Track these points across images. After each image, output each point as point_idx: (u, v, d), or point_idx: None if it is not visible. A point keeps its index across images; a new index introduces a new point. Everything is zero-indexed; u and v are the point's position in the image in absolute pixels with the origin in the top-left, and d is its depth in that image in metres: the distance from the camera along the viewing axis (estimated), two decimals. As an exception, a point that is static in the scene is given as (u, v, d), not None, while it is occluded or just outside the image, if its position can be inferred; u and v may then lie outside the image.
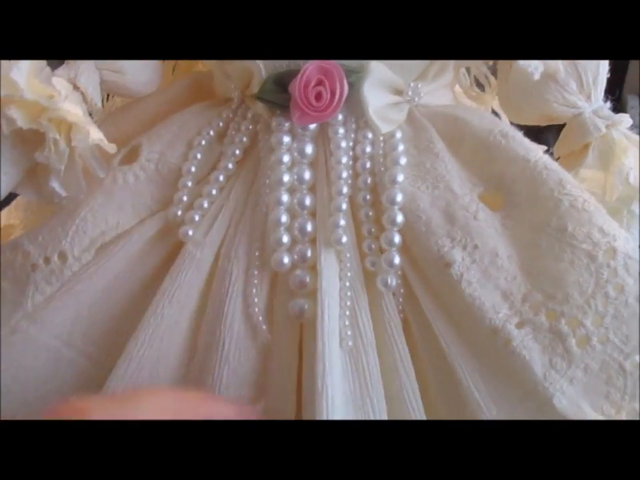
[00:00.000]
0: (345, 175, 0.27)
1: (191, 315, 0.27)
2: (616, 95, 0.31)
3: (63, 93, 0.26)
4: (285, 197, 0.27)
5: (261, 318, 0.27)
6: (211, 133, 0.30)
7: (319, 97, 0.26)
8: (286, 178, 0.27)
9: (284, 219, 0.27)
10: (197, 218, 0.28)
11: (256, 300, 0.27)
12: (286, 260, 0.27)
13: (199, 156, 0.29)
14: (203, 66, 0.36)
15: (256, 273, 0.27)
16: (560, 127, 0.31)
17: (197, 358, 0.27)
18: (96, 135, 0.25)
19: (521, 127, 0.29)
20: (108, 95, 0.36)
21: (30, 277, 0.28)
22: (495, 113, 0.34)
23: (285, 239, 0.27)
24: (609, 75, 0.29)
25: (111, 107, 0.35)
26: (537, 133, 0.31)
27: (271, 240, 0.27)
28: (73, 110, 0.25)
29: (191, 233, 0.28)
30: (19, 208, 0.34)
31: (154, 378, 0.25)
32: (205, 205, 0.28)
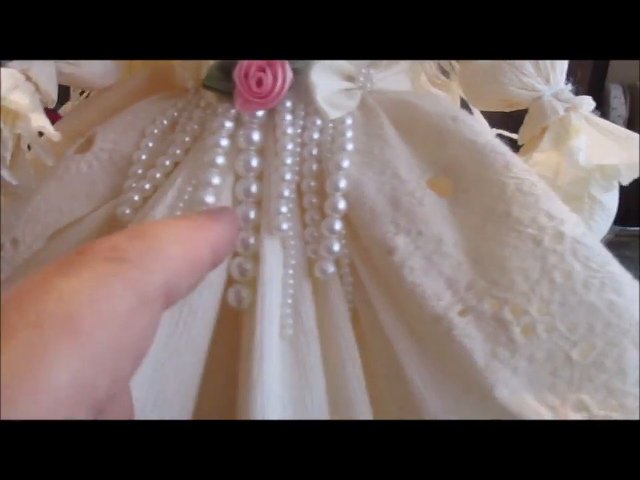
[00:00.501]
0: (289, 161, 0.27)
1: None
2: (599, 84, 0.29)
3: (9, 85, 0.26)
4: (216, 179, 0.26)
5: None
6: (165, 122, 0.30)
7: (259, 83, 0.26)
8: (220, 161, 0.27)
9: (210, 199, 0.26)
10: (135, 198, 0.28)
11: None
12: None
13: (150, 144, 0.29)
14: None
15: None
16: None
17: None
18: (39, 122, 0.26)
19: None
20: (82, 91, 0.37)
21: (-17, 263, 0.28)
22: (463, 100, 0.33)
23: None
24: (592, 66, 0.28)
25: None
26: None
27: None
28: (18, 99, 0.26)
29: (127, 211, 0.28)
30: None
31: None
32: (147, 186, 0.28)
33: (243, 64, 0.26)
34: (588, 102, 0.28)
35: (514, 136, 0.33)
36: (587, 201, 0.27)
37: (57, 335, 0.13)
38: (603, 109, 0.90)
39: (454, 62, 0.32)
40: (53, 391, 0.13)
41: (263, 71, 0.26)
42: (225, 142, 0.27)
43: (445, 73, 0.33)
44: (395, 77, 0.29)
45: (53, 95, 0.29)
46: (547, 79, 0.28)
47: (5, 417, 0.12)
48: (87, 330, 0.14)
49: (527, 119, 0.29)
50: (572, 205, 0.27)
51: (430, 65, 0.33)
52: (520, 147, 0.31)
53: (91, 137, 0.30)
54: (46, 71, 0.29)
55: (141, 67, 0.34)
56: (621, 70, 0.91)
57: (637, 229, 0.81)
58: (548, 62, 0.27)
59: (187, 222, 0.18)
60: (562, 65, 0.28)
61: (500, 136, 0.32)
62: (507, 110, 0.30)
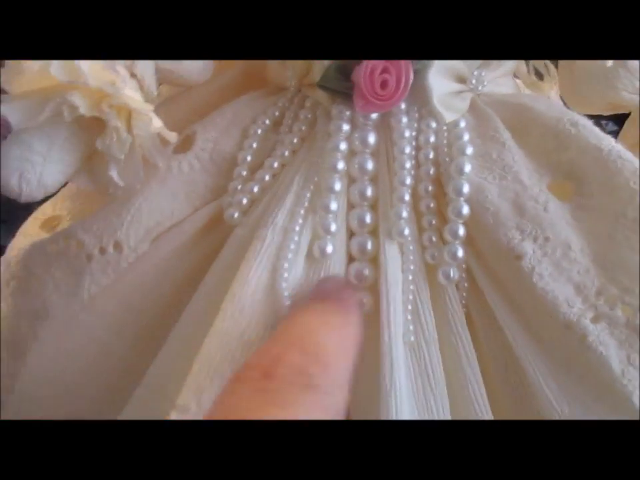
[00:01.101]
0: (408, 165, 0.26)
1: None
2: None
3: (124, 79, 0.25)
4: (338, 185, 0.26)
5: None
6: (267, 121, 0.29)
7: (384, 84, 0.25)
8: (340, 166, 0.27)
9: (334, 206, 0.26)
10: (244, 201, 0.28)
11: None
12: (330, 249, 0.26)
13: (254, 145, 0.28)
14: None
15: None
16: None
17: None
18: (157, 123, 0.25)
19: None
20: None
21: (85, 267, 0.27)
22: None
23: (334, 227, 0.26)
24: None
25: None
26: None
27: (319, 228, 0.26)
28: (134, 96, 0.25)
29: (236, 215, 0.27)
30: (65, 198, 0.33)
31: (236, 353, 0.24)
32: (255, 189, 0.28)
33: (367, 65, 0.25)
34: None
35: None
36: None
37: None
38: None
39: (549, 63, 0.32)
40: None
41: (387, 72, 0.25)
42: (343, 145, 0.26)
43: (538, 74, 0.33)
44: (503, 79, 0.29)
45: (154, 92, 0.28)
46: (655, 85, 0.28)
47: None
48: None
49: (630, 122, 0.29)
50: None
51: (522, 64, 0.33)
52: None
53: (190, 136, 0.29)
54: (148, 68, 0.28)
55: (227, 66, 0.33)
56: None
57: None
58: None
59: (340, 325, 0.20)
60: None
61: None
62: (607, 113, 0.30)
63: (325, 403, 0.17)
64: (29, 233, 0.32)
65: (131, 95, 0.25)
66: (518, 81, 0.33)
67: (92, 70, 0.24)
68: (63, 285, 0.27)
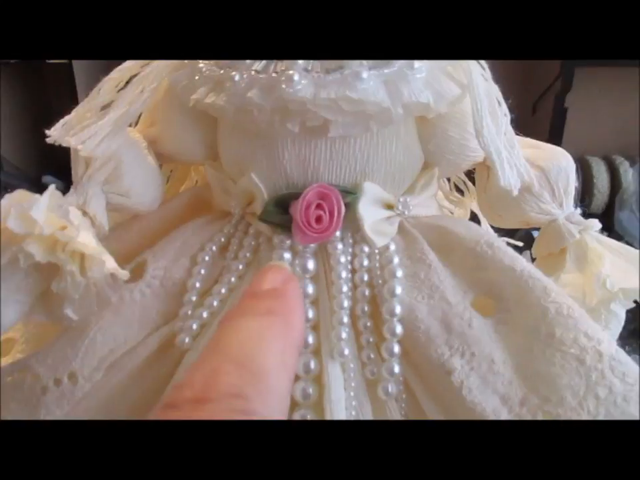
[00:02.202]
0: (345, 288, 0.29)
1: None
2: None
3: (76, 224, 0.27)
4: None
5: None
6: (214, 248, 0.31)
7: (319, 219, 0.28)
8: None
9: None
10: (194, 326, 0.29)
11: None
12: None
13: (202, 271, 0.31)
14: (195, 175, 0.38)
15: None
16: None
17: None
18: (110, 264, 0.27)
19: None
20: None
21: (40, 400, 0.28)
22: (473, 214, 0.37)
23: None
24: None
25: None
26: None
27: None
28: (87, 241, 0.27)
29: (187, 340, 0.29)
30: (18, 322, 0.34)
31: None
32: (205, 315, 0.30)
33: (302, 202, 0.28)
34: (596, 224, 0.32)
35: (519, 243, 0.37)
36: (604, 312, 0.31)
37: None
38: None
39: (467, 181, 0.36)
40: None
41: (321, 208, 0.28)
42: None
43: (459, 190, 0.36)
44: (426, 202, 0.32)
45: (106, 227, 0.30)
46: (560, 204, 0.32)
47: None
48: None
49: (541, 236, 0.33)
50: (591, 316, 0.30)
51: (444, 182, 0.37)
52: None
53: (140, 264, 0.31)
54: (100, 204, 0.30)
55: (172, 191, 0.35)
56: (571, 145, 1.01)
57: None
58: (562, 189, 0.31)
59: (279, 326, 0.19)
60: (572, 192, 0.32)
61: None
62: (522, 227, 0.34)
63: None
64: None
65: (84, 239, 0.26)
66: (440, 194, 0.36)
67: (47, 219, 0.26)
68: (18, 417, 0.28)
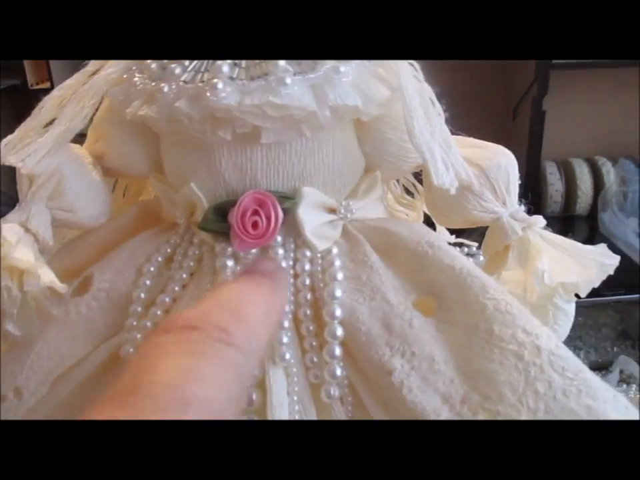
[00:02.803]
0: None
1: None
2: (534, 162, 0.33)
3: (13, 240, 0.27)
4: None
5: None
6: (159, 259, 0.31)
7: (255, 225, 0.28)
8: None
9: None
10: (138, 337, 0.29)
11: None
12: None
13: (147, 282, 0.31)
14: (151, 190, 0.39)
15: None
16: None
17: None
18: (47, 277, 0.27)
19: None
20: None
21: (-15, 416, 0.28)
22: (427, 216, 0.37)
23: None
24: (527, 145, 0.32)
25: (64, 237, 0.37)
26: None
27: None
28: (23, 256, 0.27)
29: (131, 350, 0.29)
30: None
31: None
32: (148, 324, 0.30)
33: (238, 209, 0.28)
34: (540, 220, 0.32)
35: (473, 244, 0.37)
36: (551, 308, 0.30)
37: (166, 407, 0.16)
38: (542, 185, 0.99)
39: (417, 183, 0.36)
40: None
41: (257, 214, 0.28)
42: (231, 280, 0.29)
43: (410, 193, 0.37)
44: (371, 204, 0.32)
45: (50, 242, 0.30)
46: (503, 202, 0.32)
47: None
48: (194, 410, 0.16)
49: (488, 235, 0.33)
50: (538, 312, 0.30)
51: (395, 186, 0.37)
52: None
53: (87, 278, 0.31)
54: (43, 220, 0.30)
55: (129, 205, 0.36)
56: (553, 147, 1.01)
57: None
58: (503, 188, 0.31)
59: (266, 295, 0.22)
60: (515, 190, 0.32)
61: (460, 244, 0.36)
62: (469, 227, 0.34)
63: (238, 361, 0.18)
64: None
65: (21, 254, 0.27)
66: (391, 197, 0.36)
67: (-19, 236, 0.26)
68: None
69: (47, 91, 0.32)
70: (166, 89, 0.27)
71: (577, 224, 0.95)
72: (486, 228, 0.35)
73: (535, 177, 0.30)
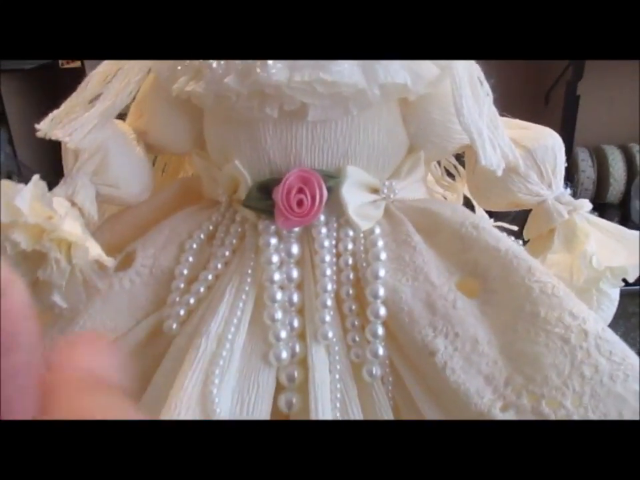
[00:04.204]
0: (329, 272, 0.29)
1: None
2: (567, 149, 0.33)
3: (62, 213, 0.27)
4: (280, 295, 0.28)
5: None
6: (202, 236, 0.32)
7: (300, 203, 0.28)
8: (277, 277, 0.29)
9: (279, 315, 0.28)
10: (182, 312, 0.30)
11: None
12: (285, 355, 0.28)
13: (190, 259, 0.31)
14: (189, 167, 0.39)
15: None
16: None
17: None
18: (95, 250, 0.27)
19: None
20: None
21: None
22: (467, 199, 0.37)
23: (283, 334, 0.28)
24: (559, 131, 0.32)
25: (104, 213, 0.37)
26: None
27: (270, 336, 0.28)
28: (72, 229, 0.27)
29: (174, 326, 0.29)
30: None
31: None
32: (192, 301, 0.30)
33: (283, 187, 0.28)
34: (586, 204, 0.31)
35: (513, 227, 0.37)
36: (596, 293, 0.30)
37: None
38: (573, 172, 0.97)
39: (458, 165, 0.36)
40: None
41: (302, 192, 0.28)
42: (275, 258, 0.29)
43: (450, 175, 0.36)
44: (413, 185, 0.32)
45: (95, 216, 0.30)
46: (549, 185, 0.31)
47: None
48: None
49: (531, 218, 0.32)
50: (582, 297, 0.30)
51: (436, 168, 0.37)
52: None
53: (130, 253, 0.31)
54: (89, 195, 0.30)
55: (168, 183, 0.36)
56: (586, 134, 0.99)
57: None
58: (550, 170, 0.31)
59: None
60: (562, 172, 0.31)
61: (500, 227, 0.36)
62: (512, 210, 0.33)
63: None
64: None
65: (69, 227, 0.27)
66: (432, 179, 0.36)
67: (32, 208, 0.26)
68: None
69: (76, 70, 0.32)
70: (214, 65, 0.27)
71: (608, 212, 0.94)
72: (519, 213, 0.34)
73: (567, 163, 0.29)
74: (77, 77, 0.32)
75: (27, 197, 0.26)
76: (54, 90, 0.34)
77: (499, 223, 0.37)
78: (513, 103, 0.32)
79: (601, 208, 0.90)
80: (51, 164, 0.30)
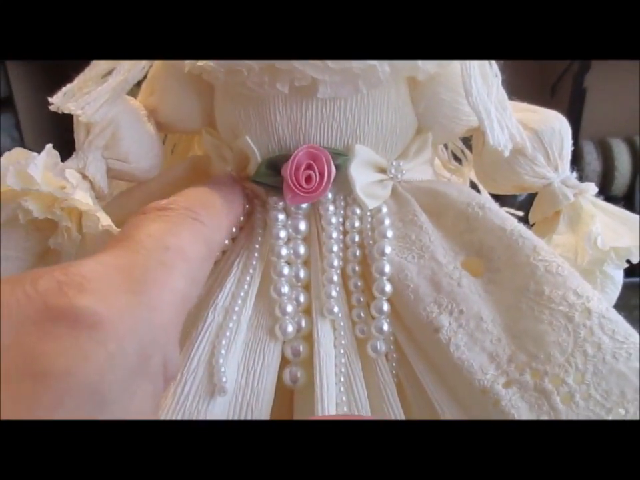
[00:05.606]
0: (335, 249, 0.29)
1: None
2: (573, 141, 0.33)
3: (73, 184, 0.28)
4: (286, 270, 0.29)
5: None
6: (210, 212, 0.32)
7: (308, 179, 0.28)
8: (284, 252, 0.29)
9: (285, 289, 0.28)
10: None
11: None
12: (290, 329, 0.28)
13: (199, 234, 0.31)
14: (198, 148, 0.39)
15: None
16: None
17: None
18: (105, 221, 0.27)
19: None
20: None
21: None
22: (472, 183, 0.37)
23: (290, 308, 0.29)
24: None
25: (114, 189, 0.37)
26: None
27: (276, 310, 0.29)
28: (83, 199, 0.27)
29: None
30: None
31: None
32: None
33: (292, 163, 0.28)
34: (592, 187, 0.31)
35: (519, 213, 0.37)
36: (599, 275, 0.30)
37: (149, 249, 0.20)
38: (578, 164, 0.97)
39: (465, 149, 0.36)
40: None
41: (311, 168, 0.28)
42: (283, 233, 0.29)
43: (457, 159, 0.36)
44: (420, 167, 0.32)
45: (105, 190, 0.31)
46: (555, 168, 0.32)
47: None
48: (171, 254, 0.20)
49: (537, 201, 0.33)
50: (586, 279, 0.30)
51: (443, 152, 0.37)
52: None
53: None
54: (100, 169, 0.30)
55: (177, 162, 0.36)
56: (592, 126, 0.99)
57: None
58: (556, 153, 0.31)
59: (227, 193, 0.28)
60: (568, 155, 0.32)
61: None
62: (518, 193, 0.34)
63: (204, 232, 0.23)
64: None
65: (80, 197, 0.27)
66: (438, 163, 0.36)
67: (44, 177, 0.27)
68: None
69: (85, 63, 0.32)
70: (226, 40, 0.27)
71: (613, 204, 0.93)
72: (525, 200, 0.35)
73: (573, 156, 0.29)
74: (85, 63, 0.32)
75: (40, 166, 0.26)
76: (61, 75, 0.34)
77: (505, 209, 0.37)
78: (518, 95, 0.32)
79: (606, 201, 0.90)
80: (57, 148, 0.30)
